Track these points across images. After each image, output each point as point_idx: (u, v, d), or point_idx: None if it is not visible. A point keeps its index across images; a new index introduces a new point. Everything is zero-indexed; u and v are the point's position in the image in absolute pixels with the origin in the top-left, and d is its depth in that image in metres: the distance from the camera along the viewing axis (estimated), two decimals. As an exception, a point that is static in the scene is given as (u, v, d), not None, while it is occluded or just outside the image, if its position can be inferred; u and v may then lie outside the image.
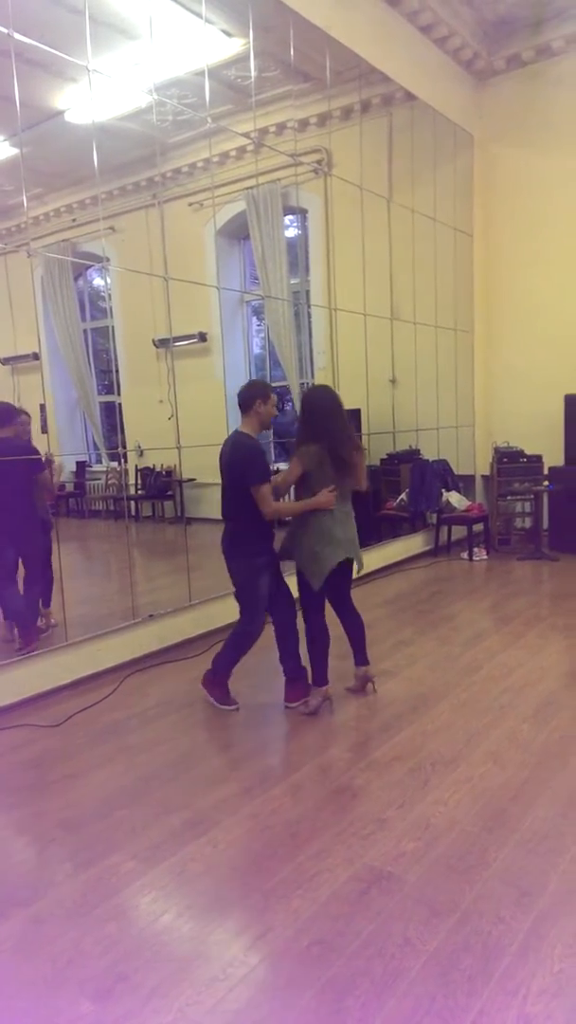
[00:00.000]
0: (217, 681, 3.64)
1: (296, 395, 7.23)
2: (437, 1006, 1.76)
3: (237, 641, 3.59)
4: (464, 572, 6.47)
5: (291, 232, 7.72)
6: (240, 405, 3.41)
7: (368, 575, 6.35)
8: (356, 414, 6.68)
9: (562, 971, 1.84)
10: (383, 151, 6.78)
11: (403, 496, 7.10)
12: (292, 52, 5.29)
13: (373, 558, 6.51)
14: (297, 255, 7.71)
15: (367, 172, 6.31)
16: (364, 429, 6.72)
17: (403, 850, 2.37)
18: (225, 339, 8.04)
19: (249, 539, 3.43)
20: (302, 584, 3.49)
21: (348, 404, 6.55)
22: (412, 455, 7.26)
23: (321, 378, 7.32)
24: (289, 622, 3.61)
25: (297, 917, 2.09)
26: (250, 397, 3.37)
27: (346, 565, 3.52)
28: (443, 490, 7.08)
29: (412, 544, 7.11)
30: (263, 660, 4.37)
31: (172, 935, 2.05)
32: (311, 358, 7.48)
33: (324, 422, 3.32)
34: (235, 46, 5.31)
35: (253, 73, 5.19)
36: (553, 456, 6.89)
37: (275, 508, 3.34)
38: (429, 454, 7.32)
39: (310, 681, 3.58)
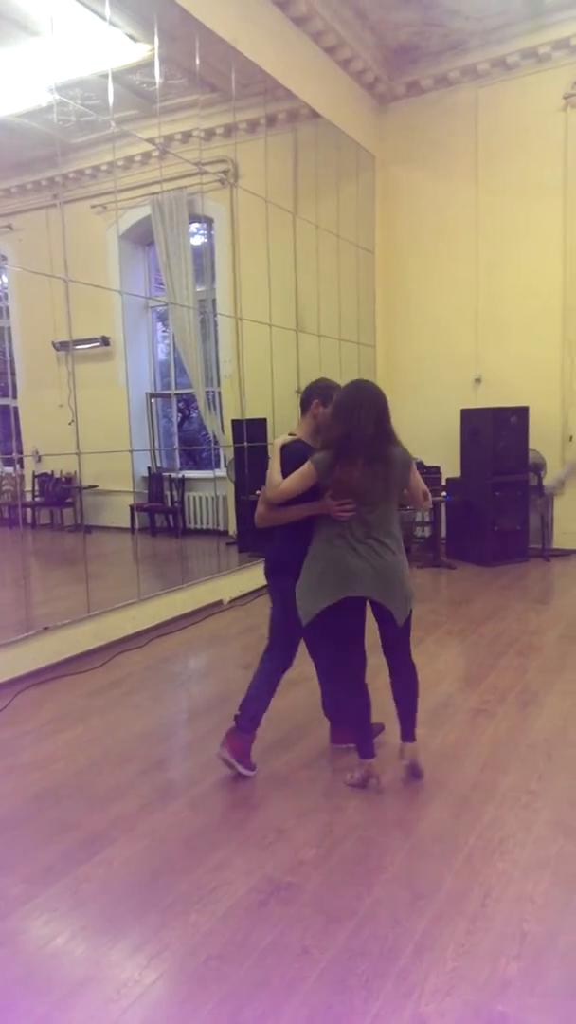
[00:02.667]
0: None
1: (203, 403, 7.19)
2: (334, 1012, 1.77)
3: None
4: (366, 580, 6.58)
5: (197, 240, 7.69)
6: (300, 404, 2.95)
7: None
8: (262, 423, 6.72)
9: (455, 969, 1.89)
10: (288, 165, 6.88)
11: (307, 506, 7.17)
12: (198, 62, 5.29)
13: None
14: (203, 263, 7.69)
15: (272, 185, 6.38)
16: (270, 439, 6.75)
17: (303, 858, 2.38)
18: (128, 344, 7.90)
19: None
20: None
21: (254, 414, 6.66)
22: (316, 465, 7.35)
23: (227, 387, 7.32)
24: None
25: (195, 932, 2.05)
26: (307, 396, 2.90)
27: (380, 606, 2.77)
28: (346, 500, 7.19)
29: (316, 553, 7.18)
30: (160, 671, 4.30)
31: (64, 959, 1.97)
32: (217, 366, 7.46)
33: (342, 421, 2.67)
34: (140, 51, 5.26)
35: (158, 79, 5.15)
36: (450, 467, 7.15)
37: (258, 512, 2.85)
38: (333, 464, 7.42)
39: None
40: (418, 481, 2.82)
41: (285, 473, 2.78)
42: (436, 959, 1.93)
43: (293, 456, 2.81)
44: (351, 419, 2.63)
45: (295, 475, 2.72)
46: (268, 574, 3.02)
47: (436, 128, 7.47)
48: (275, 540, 2.96)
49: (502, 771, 2.92)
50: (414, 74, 7.35)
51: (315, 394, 2.87)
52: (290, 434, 2.95)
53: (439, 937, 2.01)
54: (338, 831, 2.53)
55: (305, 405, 2.91)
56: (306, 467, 2.70)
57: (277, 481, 2.76)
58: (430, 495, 2.86)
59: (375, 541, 2.70)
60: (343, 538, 2.71)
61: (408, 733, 2.89)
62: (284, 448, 2.86)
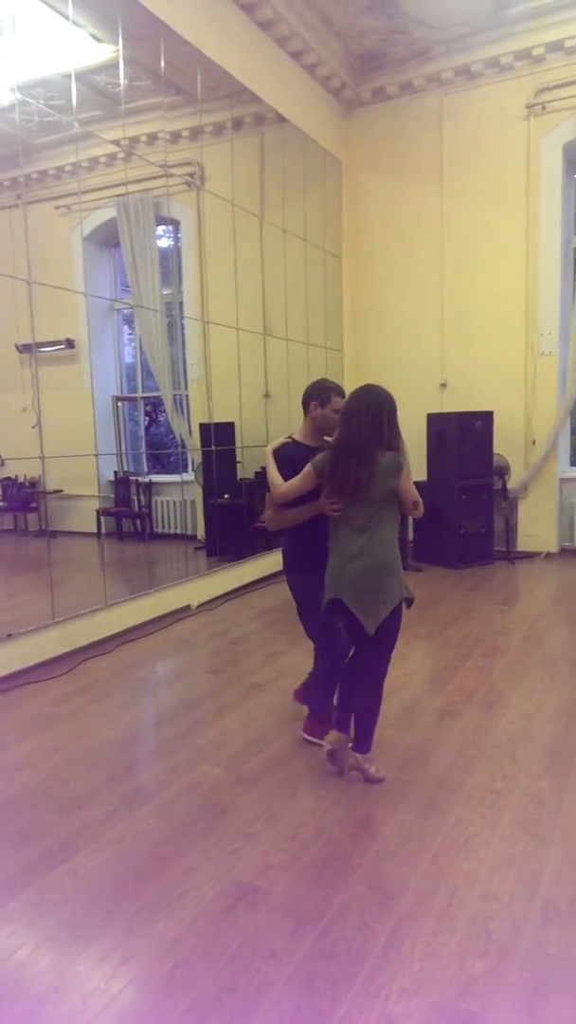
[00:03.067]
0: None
1: (170, 406, 7.15)
2: (302, 1015, 1.76)
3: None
4: (334, 583, 6.60)
5: (164, 242, 7.65)
6: (302, 405, 3.12)
7: (244, 587, 6.36)
8: (230, 427, 6.71)
9: (422, 969, 1.90)
10: (255, 169, 6.88)
11: (276, 509, 7.18)
12: (163, 64, 5.28)
13: (248, 570, 6.54)
14: (169, 265, 7.65)
15: (239, 189, 6.38)
16: (238, 443, 6.75)
17: (271, 862, 2.38)
18: (94, 347, 7.83)
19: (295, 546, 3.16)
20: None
21: (221, 418, 6.64)
22: (285, 469, 7.36)
23: (194, 390, 7.29)
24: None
25: (162, 940, 2.04)
26: (306, 398, 3.05)
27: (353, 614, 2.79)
28: (314, 503, 7.22)
29: (284, 556, 7.19)
30: (127, 677, 4.26)
31: (28, 970, 1.94)
32: (184, 369, 7.43)
33: (342, 424, 2.81)
34: (105, 52, 5.22)
35: (123, 81, 5.12)
36: (416, 472, 7.18)
37: (267, 516, 3.10)
38: (301, 468, 7.44)
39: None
40: (410, 489, 2.83)
41: (281, 475, 2.97)
42: (403, 959, 1.94)
43: (284, 458, 3.00)
44: (350, 422, 2.76)
45: (297, 476, 2.89)
46: (284, 571, 3.24)
47: (402, 134, 7.55)
48: (286, 539, 3.15)
49: (468, 771, 2.95)
50: (380, 81, 7.43)
51: (313, 396, 3.03)
52: (289, 436, 3.10)
53: (406, 938, 2.02)
54: (306, 834, 2.54)
55: (305, 406, 3.06)
56: (307, 467, 2.86)
57: (279, 483, 2.94)
58: (421, 504, 2.89)
59: (353, 544, 2.77)
60: (333, 539, 2.87)
61: (357, 742, 2.90)
62: (275, 452, 3.02)
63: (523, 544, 7.39)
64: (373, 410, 2.74)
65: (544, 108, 6.85)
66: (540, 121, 6.91)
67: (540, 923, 2.06)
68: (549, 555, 7.27)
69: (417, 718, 3.50)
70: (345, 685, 3.00)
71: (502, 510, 7.24)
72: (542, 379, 7.17)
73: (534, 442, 7.24)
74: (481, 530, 7.01)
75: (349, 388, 8.13)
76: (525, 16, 6.57)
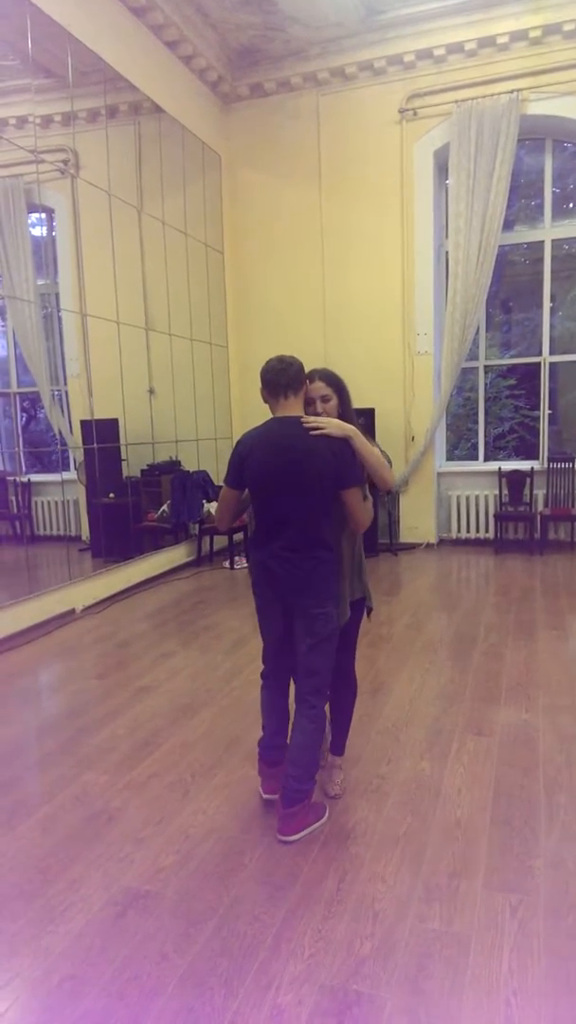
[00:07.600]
0: (309, 802, 2.51)
1: (48, 402, 6.88)
2: (194, 1015, 1.75)
3: (318, 733, 2.52)
4: (226, 580, 6.61)
5: (38, 231, 7.34)
6: (287, 385, 2.41)
7: (132, 588, 6.24)
8: (114, 424, 6.55)
9: (312, 956, 1.94)
10: (132, 159, 6.73)
11: (164, 507, 7.08)
12: (30, 44, 5.05)
13: (136, 571, 6.41)
14: (44, 255, 7.35)
15: (116, 179, 6.22)
16: (122, 440, 6.60)
17: (161, 865, 2.34)
18: (-36, 340, 7.40)
19: (338, 571, 2.51)
20: (358, 622, 2.69)
21: (104, 414, 6.46)
22: (173, 466, 7.27)
23: (74, 386, 7.05)
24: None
25: (48, 955, 1.97)
26: (300, 376, 2.44)
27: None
28: (204, 501, 7.18)
29: (175, 555, 7.11)
30: (6, 687, 4.08)
31: None
32: (63, 364, 7.17)
33: (350, 406, 2.57)
34: (-34, 27, 4.94)
35: (-13, 59, 4.86)
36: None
37: (366, 519, 2.47)
38: (190, 465, 7.38)
39: (332, 752, 2.82)
40: None
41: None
42: (294, 949, 1.96)
43: None
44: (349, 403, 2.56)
45: (383, 459, 2.49)
46: (312, 596, 2.42)
47: (280, 132, 7.60)
48: (317, 549, 2.40)
49: (355, 758, 3.03)
50: (256, 76, 7.44)
51: (305, 375, 2.50)
52: (297, 416, 2.43)
53: (297, 927, 2.05)
54: (197, 834, 2.52)
55: (300, 384, 2.44)
56: (379, 453, 2.49)
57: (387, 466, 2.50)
58: None
59: None
60: (354, 538, 2.62)
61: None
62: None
63: (405, 536, 7.66)
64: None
65: (416, 114, 7.09)
66: (412, 126, 7.15)
67: (423, 900, 2.14)
68: (429, 546, 7.58)
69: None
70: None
71: (385, 504, 7.47)
72: (419, 377, 7.45)
73: (413, 438, 7.51)
74: (366, 523, 7.19)
75: (236, 384, 8.08)
76: (396, 23, 6.77)
